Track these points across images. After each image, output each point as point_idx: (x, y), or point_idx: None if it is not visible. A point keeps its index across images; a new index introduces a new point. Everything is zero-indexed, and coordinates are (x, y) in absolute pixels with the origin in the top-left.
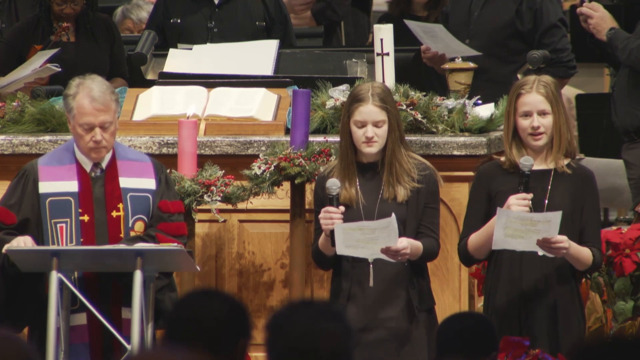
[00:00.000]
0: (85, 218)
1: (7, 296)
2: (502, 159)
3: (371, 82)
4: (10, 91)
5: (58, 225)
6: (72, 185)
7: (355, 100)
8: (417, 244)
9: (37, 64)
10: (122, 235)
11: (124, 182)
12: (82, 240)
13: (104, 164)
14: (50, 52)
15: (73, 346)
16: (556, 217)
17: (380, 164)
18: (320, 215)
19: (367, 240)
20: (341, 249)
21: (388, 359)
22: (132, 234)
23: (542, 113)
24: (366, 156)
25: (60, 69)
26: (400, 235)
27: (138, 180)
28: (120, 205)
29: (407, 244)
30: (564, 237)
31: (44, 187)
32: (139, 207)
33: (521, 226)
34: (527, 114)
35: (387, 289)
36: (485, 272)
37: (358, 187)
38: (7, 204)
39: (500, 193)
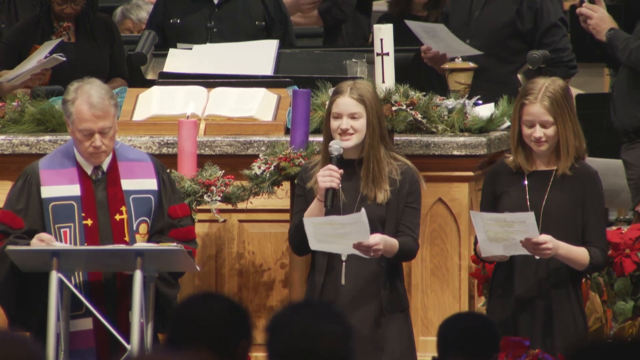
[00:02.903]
0: (89, 222)
1: (18, 296)
2: (510, 158)
3: (354, 80)
4: (18, 84)
5: (62, 230)
6: (74, 189)
7: (334, 93)
8: (392, 241)
9: (42, 54)
10: (126, 238)
11: (126, 184)
12: (86, 244)
13: (104, 166)
14: (54, 42)
15: (79, 351)
16: (529, 217)
17: (358, 161)
18: (320, 173)
19: (338, 235)
20: (314, 244)
21: None
22: (136, 236)
23: (544, 124)
24: (345, 152)
25: (65, 59)
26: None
27: (140, 182)
28: (124, 209)
29: (380, 240)
30: (547, 238)
31: (46, 191)
32: (142, 209)
33: (499, 228)
34: (531, 124)
35: (360, 288)
36: (484, 273)
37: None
38: (14, 209)
39: (504, 194)
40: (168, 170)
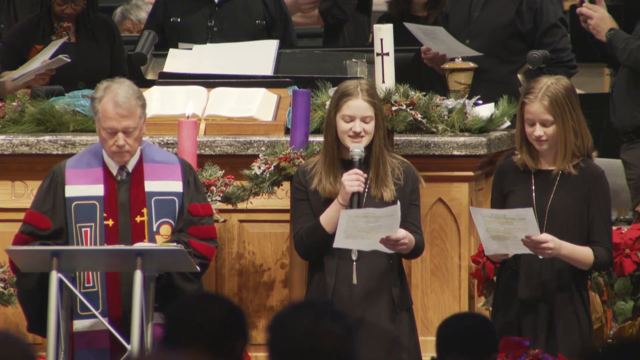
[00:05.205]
0: (110, 222)
1: (40, 306)
2: (517, 156)
3: (358, 79)
4: (20, 84)
5: (83, 229)
6: (98, 189)
7: (344, 95)
8: (411, 237)
9: (46, 55)
10: (145, 240)
11: (150, 185)
12: (105, 244)
13: (130, 167)
14: (58, 43)
15: (94, 351)
16: (529, 213)
17: (364, 161)
18: (346, 177)
19: (370, 229)
20: (340, 241)
21: (371, 358)
22: (157, 238)
23: (544, 123)
24: (349, 152)
25: (70, 60)
26: None
27: (164, 184)
28: (144, 210)
29: (406, 235)
30: (548, 237)
31: (70, 190)
32: (164, 211)
33: (499, 225)
34: (531, 123)
35: (371, 287)
36: (484, 273)
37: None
38: (41, 210)
39: (511, 193)
40: None
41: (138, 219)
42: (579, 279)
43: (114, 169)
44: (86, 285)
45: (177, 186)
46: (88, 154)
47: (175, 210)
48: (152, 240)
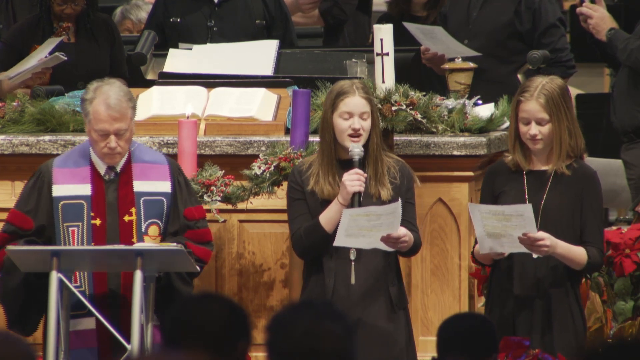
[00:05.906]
0: (97, 222)
1: (22, 305)
2: (509, 157)
3: (351, 79)
4: (18, 83)
5: (70, 228)
6: (86, 189)
7: (340, 93)
8: (411, 235)
9: (43, 53)
10: (134, 240)
11: (138, 185)
12: (92, 244)
13: (118, 168)
14: (55, 41)
15: (81, 351)
16: (527, 209)
17: (361, 160)
18: (347, 177)
19: (371, 227)
20: (340, 239)
21: (370, 358)
22: (145, 238)
23: (539, 122)
24: (348, 152)
25: (66, 58)
26: None
27: (153, 184)
28: (133, 210)
29: (406, 232)
30: (544, 235)
31: (58, 190)
32: (153, 211)
33: (497, 222)
34: (526, 121)
35: (369, 286)
36: (484, 273)
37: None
38: (24, 210)
39: (502, 193)
40: None
41: (126, 218)
42: (573, 277)
43: (101, 168)
44: (73, 284)
45: (165, 186)
46: (75, 153)
47: (163, 210)
48: (141, 240)
